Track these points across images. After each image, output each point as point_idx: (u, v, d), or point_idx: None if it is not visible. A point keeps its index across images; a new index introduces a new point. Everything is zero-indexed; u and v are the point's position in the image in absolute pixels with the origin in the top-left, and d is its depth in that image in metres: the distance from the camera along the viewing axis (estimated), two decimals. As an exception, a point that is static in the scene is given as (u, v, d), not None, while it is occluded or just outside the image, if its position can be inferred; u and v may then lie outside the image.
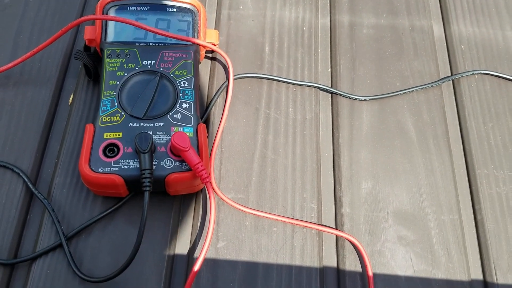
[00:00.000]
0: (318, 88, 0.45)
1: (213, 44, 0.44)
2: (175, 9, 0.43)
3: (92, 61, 0.41)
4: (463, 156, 0.43)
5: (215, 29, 0.48)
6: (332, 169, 0.42)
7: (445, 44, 0.49)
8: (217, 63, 0.46)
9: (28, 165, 0.39)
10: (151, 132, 0.37)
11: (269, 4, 0.50)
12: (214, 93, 0.44)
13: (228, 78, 0.44)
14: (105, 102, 0.38)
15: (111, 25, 0.41)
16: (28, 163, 0.39)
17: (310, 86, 0.45)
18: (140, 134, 0.35)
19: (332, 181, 0.41)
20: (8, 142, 0.40)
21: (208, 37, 0.44)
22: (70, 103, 0.43)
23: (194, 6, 0.43)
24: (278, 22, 0.49)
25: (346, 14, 0.50)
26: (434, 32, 0.49)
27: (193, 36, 0.42)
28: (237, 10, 0.49)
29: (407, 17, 0.50)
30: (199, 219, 0.39)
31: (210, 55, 0.47)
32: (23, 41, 0.45)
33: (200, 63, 0.44)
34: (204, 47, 0.43)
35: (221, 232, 0.38)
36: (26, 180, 0.38)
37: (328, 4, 0.51)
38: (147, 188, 0.34)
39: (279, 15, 0.49)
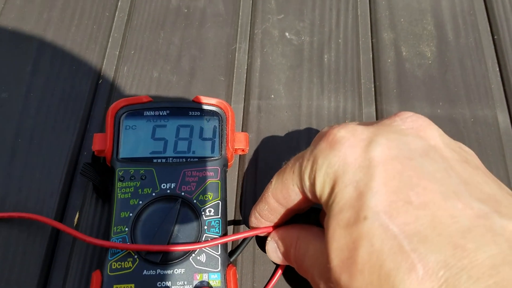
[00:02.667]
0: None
1: (243, 151, 0.37)
2: (198, 113, 0.36)
3: (101, 178, 0.35)
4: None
5: (242, 122, 0.42)
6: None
7: (514, 138, 0.42)
8: (246, 164, 0.39)
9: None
10: (170, 284, 0.30)
11: (305, 91, 0.43)
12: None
13: (260, 191, 0.37)
14: (115, 242, 0.31)
15: (125, 137, 0.35)
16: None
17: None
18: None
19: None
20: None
21: (237, 143, 0.37)
22: (75, 223, 0.36)
23: (220, 108, 0.37)
24: (316, 113, 0.42)
25: (395, 103, 0.43)
26: (499, 124, 0.42)
27: (220, 145, 0.36)
28: (268, 100, 0.43)
29: (467, 105, 0.43)
30: None
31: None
32: (22, 146, 0.39)
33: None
34: (232, 157, 0.36)
35: None
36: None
37: (373, 91, 0.44)
38: None
39: (316, 105, 0.43)
